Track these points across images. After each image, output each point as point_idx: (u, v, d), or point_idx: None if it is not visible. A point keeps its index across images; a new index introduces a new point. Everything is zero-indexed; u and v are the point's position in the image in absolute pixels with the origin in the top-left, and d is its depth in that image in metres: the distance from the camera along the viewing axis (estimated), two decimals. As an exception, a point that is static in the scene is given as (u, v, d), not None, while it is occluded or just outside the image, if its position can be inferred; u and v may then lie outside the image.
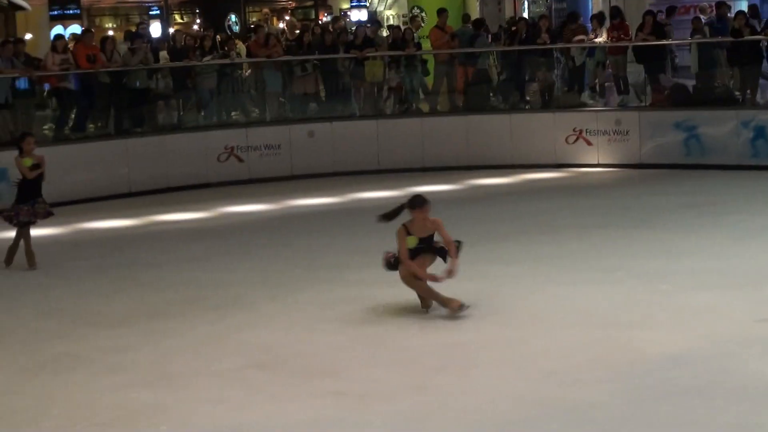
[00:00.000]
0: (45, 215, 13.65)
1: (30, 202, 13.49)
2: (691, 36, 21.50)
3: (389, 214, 10.86)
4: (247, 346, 9.89)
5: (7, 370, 9.45)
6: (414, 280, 10.52)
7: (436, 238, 10.65)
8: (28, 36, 30.06)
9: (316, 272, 12.72)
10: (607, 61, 21.38)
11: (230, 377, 9.02)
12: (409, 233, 10.51)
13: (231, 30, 36.22)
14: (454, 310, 10.39)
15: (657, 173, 19.02)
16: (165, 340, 10.17)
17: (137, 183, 19.27)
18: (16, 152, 13.76)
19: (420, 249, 10.55)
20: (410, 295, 10.77)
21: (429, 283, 10.51)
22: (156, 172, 19.43)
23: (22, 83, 19.27)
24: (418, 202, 10.61)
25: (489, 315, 10.43)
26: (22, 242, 13.57)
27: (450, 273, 10.46)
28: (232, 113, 21.43)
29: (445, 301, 10.47)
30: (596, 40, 21.07)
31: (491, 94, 22.15)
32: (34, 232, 13.88)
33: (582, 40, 21.18)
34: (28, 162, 13.49)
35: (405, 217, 10.67)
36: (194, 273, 13.03)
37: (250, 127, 20.69)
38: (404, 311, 10.61)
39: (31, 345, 10.18)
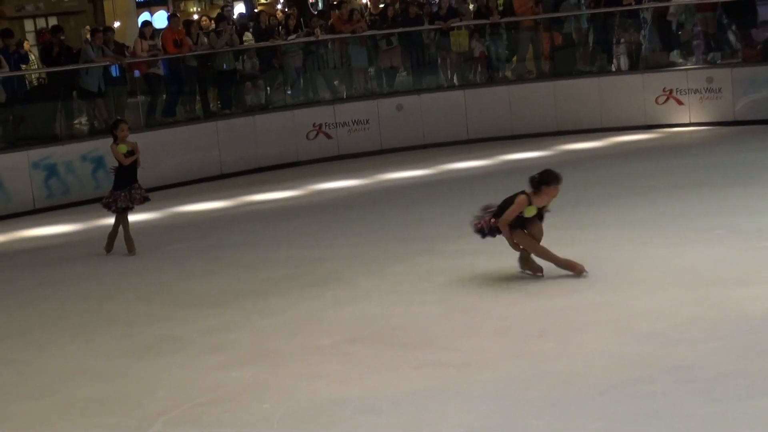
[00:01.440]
0: (142, 200, 13.82)
1: (127, 188, 13.66)
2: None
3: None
4: (345, 321, 9.93)
5: (113, 354, 9.60)
6: (532, 241, 10.43)
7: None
8: (116, 24, 30.44)
9: (411, 245, 12.72)
10: (696, 19, 21.03)
11: (330, 352, 9.05)
12: (530, 204, 10.43)
13: (315, 8, 36.30)
14: (579, 273, 10.37)
15: (753, 129, 18.67)
16: (264, 319, 10.25)
17: (228, 164, 19.46)
18: (111, 139, 13.96)
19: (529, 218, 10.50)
20: (506, 263, 10.74)
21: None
22: (246, 152, 19.60)
23: (114, 71, 19.55)
24: (553, 178, 10.43)
25: (587, 279, 10.34)
26: (121, 228, 13.78)
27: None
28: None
29: (568, 265, 10.43)
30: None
31: (578, 58, 21.93)
32: (132, 217, 14.09)
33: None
34: (123, 149, 13.65)
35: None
36: (289, 251, 13.11)
37: (338, 104, 20.75)
38: (501, 280, 10.56)
39: (135, 328, 10.34)
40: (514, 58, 22.08)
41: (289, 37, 21.35)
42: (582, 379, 7.78)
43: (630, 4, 20.81)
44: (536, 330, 9.04)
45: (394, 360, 8.69)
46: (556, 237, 10.85)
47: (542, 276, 10.51)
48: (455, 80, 21.94)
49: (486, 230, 10.59)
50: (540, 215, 10.54)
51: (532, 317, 9.43)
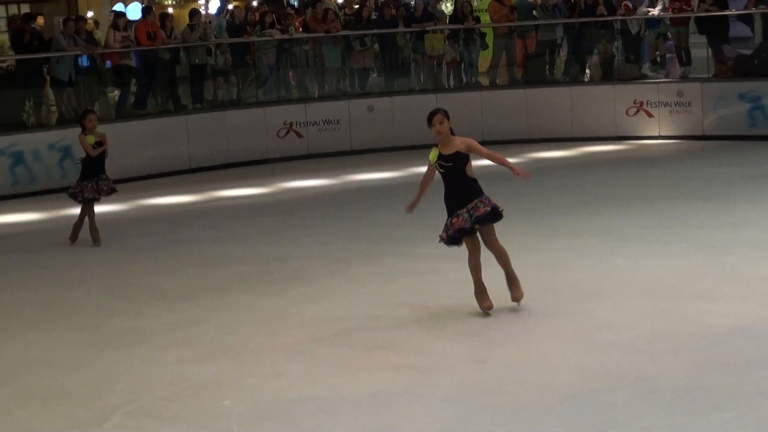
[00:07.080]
0: (108, 192, 13.76)
1: (94, 179, 13.60)
2: (756, 6, 21.18)
3: None
4: (308, 320, 9.91)
5: (74, 346, 9.55)
6: (474, 269, 9.77)
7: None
8: (89, 14, 30.30)
9: (376, 246, 12.72)
10: (668, 33, 21.15)
11: (292, 351, 9.04)
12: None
13: (290, 5, 36.17)
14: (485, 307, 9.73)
15: (720, 144, 18.80)
16: (227, 315, 10.22)
17: (197, 159, 19.39)
18: (79, 130, 13.88)
19: (449, 169, 10.46)
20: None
21: None
22: (216, 148, 19.54)
23: (84, 61, 19.45)
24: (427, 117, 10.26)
25: (552, 288, 10.37)
26: (86, 219, 13.70)
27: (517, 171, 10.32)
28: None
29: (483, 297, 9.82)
30: (656, 10, 20.82)
31: (551, 67, 22.00)
32: (98, 208, 14.01)
33: (627, 6, 20.98)
34: (91, 139, 13.57)
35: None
36: (255, 248, 13.08)
37: (309, 103, 20.72)
38: (466, 284, 10.55)
39: (97, 320, 10.28)
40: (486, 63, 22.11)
41: (263, 31, 21.28)
42: (543, 387, 7.80)
43: (603, 15, 20.89)
44: (500, 336, 9.06)
45: (357, 361, 8.68)
46: (522, 244, 10.88)
47: None
48: (428, 84, 21.95)
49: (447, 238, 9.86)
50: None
51: (496, 323, 9.44)
